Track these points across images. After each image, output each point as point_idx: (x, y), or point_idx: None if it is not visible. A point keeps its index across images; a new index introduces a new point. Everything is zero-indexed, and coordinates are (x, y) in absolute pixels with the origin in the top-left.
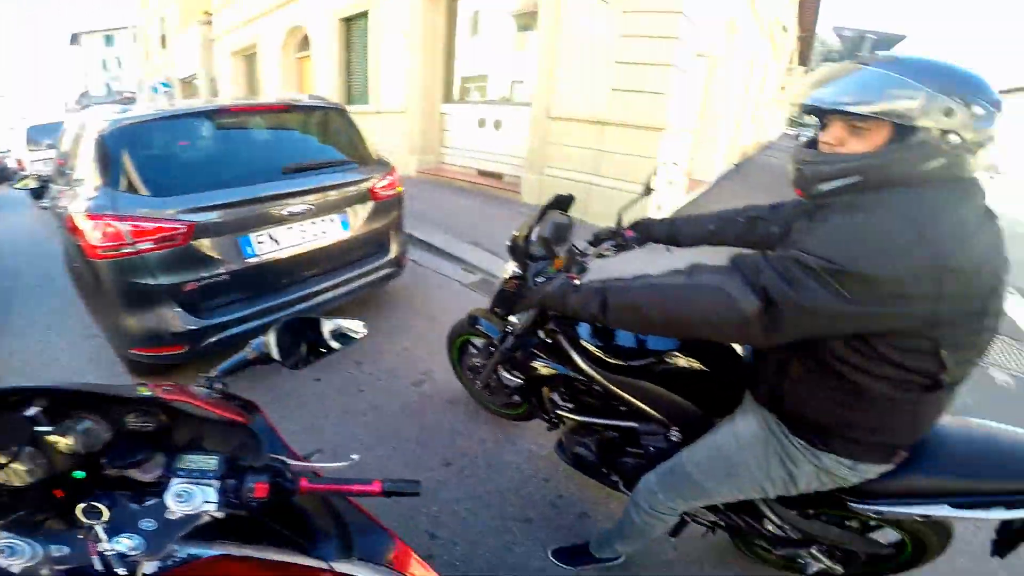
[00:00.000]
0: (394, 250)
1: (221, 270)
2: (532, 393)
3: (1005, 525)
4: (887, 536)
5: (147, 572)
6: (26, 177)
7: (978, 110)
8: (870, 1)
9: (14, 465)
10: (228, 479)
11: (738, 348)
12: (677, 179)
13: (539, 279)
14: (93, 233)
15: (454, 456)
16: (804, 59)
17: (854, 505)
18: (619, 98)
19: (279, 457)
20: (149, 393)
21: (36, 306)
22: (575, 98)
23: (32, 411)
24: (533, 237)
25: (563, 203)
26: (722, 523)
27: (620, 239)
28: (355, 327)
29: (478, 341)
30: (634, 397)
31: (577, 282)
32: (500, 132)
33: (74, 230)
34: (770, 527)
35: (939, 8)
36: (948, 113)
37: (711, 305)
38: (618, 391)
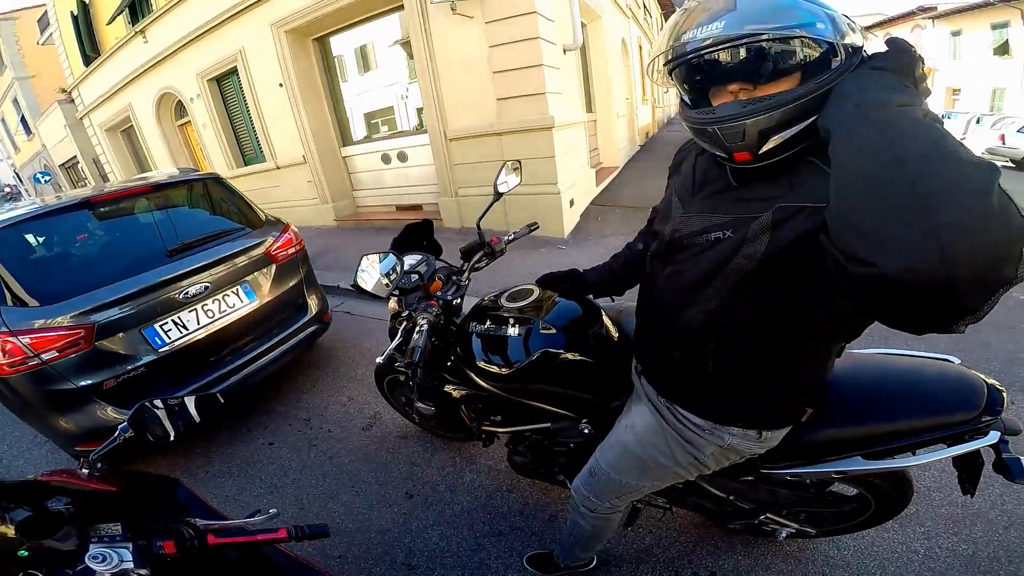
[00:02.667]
0: (313, 308)
1: (136, 363)
2: (454, 416)
3: (958, 461)
4: (845, 490)
5: None
6: None
7: (857, 30)
8: None
9: None
10: (139, 540)
11: (612, 331)
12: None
13: (405, 313)
14: None
15: (415, 488)
16: None
17: (765, 471)
18: (505, 106)
19: (188, 520)
20: (31, 478)
21: None
22: (467, 115)
23: None
24: (393, 276)
25: (420, 231)
26: (675, 505)
27: (487, 248)
28: (215, 396)
29: (402, 376)
30: (536, 400)
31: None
32: (407, 163)
33: None
34: (714, 500)
35: None
36: (828, 20)
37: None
38: (519, 399)
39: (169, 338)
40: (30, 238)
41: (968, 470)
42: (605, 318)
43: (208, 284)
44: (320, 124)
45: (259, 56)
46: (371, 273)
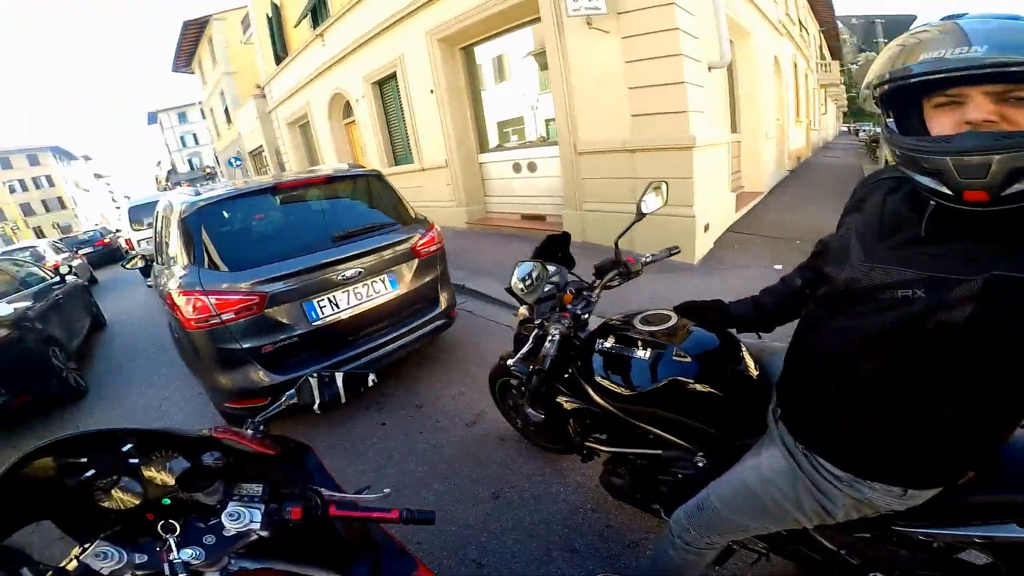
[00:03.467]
0: (443, 303)
1: (292, 333)
2: (559, 427)
3: None
4: (975, 558)
5: None
6: (134, 257)
7: None
8: None
9: (117, 492)
10: (271, 503)
11: (751, 368)
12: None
13: (537, 321)
14: (187, 308)
15: (503, 489)
16: (834, 52)
17: (900, 529)
18: (641, 123)
19: (316, 488)
20: (207, 433)
21: (152, 372)
22: (598, 130)
23: (125, 447)
24: (530, 282)
25: (557, 243)
26: (775, 551)
27: (623, 267)
28: (366, 376)
29: (514, 381)
30: (653, 425)
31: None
32: (536, 174)
33: (173, 306)
34: (820, 552)
35: None
36: None
37: None
38: (634, 421)
39: (323, 314)
40: (227, 213)
41: None
42: (746, 354)
43: (362, 269)
44: (462, 130)
45: (415, 62)
46: (519, 277)
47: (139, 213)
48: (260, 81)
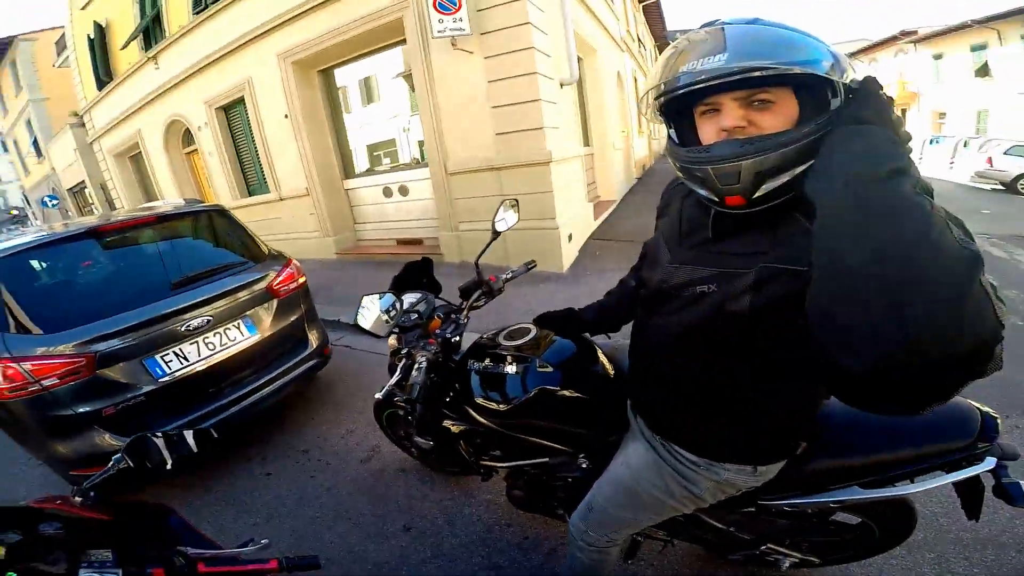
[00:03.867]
0: (313, 342)
1: (136, 392)
2: (452, 451)
3: (961, 488)
4: (847, 519)
5: None
6: None
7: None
8: (703, 5)
9: None
10: (129, 568)
11: (608, 368)
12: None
13: (404, 350)
14: None
15: (413, 521)
16: None
17: (764, 502)
18: (504, 141)
19: (180, 548)
20: (24, 503)
21: None
22: (466, 149)
23: None
24: (393, 313)
25: (419, 269)
26: (676, 537)
27: (486, 286)
28: (204, 431)
29: (400, 411)
30: (533, 436)
31: None
32: (408, 197)
33: None
34: (714, 533)
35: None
36: (830, 57)
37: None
38: (516, 434)
39: (170, 369)
40: (35, 265)
41: (970, 496)
42: (601, 356)
43: (210, 317)
44: (323, 156)
45: (265, 86)
46: (371, 311)
47: None
48: (78, 108)
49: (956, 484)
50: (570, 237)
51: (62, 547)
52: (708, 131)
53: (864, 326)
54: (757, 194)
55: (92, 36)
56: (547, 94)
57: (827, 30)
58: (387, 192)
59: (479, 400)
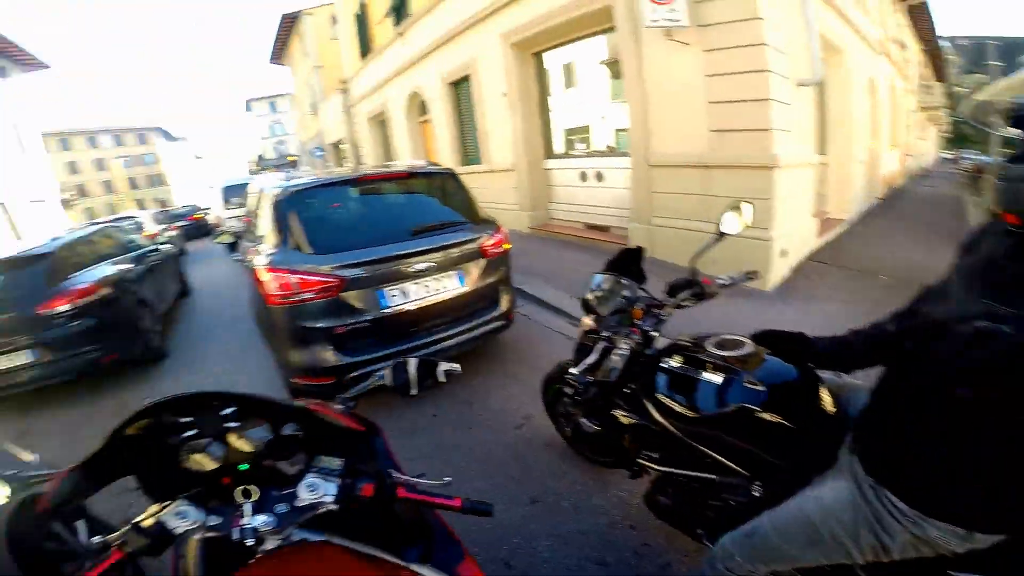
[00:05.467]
0: (503, 305)
1: (363, 317)
2: (613, 441)
3: None
4: None
5: (268, 548)
6: (223, 233)
7: None
8: (977, 7)
9: (199, 455)
10: (346, 478)
11: (827, 404)
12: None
13: (605, 334)
14: (272, 284)
15: (543, 495)
16: (940, 74)
17: (955, 573)
18: (720, 139)
19: (387, 468)
20: (302, 405)
21: (228, 341)
22: (673, 143)
23: (226, 411)
24: (602, 293)
25: (631, 257)
26: None
27: (698, 288)
28: (453, 367)
29: (568, 390)
30: (712, 449)
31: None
32: (603, 184)
33: (258, 281)
34: None
35: None
36: None
37: None
38: (694, 443)
39: (392, 303)
40: (315, 201)
41: None
42: (824, 390)
43: (433, 264)
44: (530, 135)
45: (489, 65)
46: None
47: (231, 193)
48: (344, 76)
49: None
50: (783, 252)
51: (303, 448)
52: None
53: None
54: None
55: (357, 12)
56: (779, 93)
57: None
58: (583, 176)
59: (663, 399)
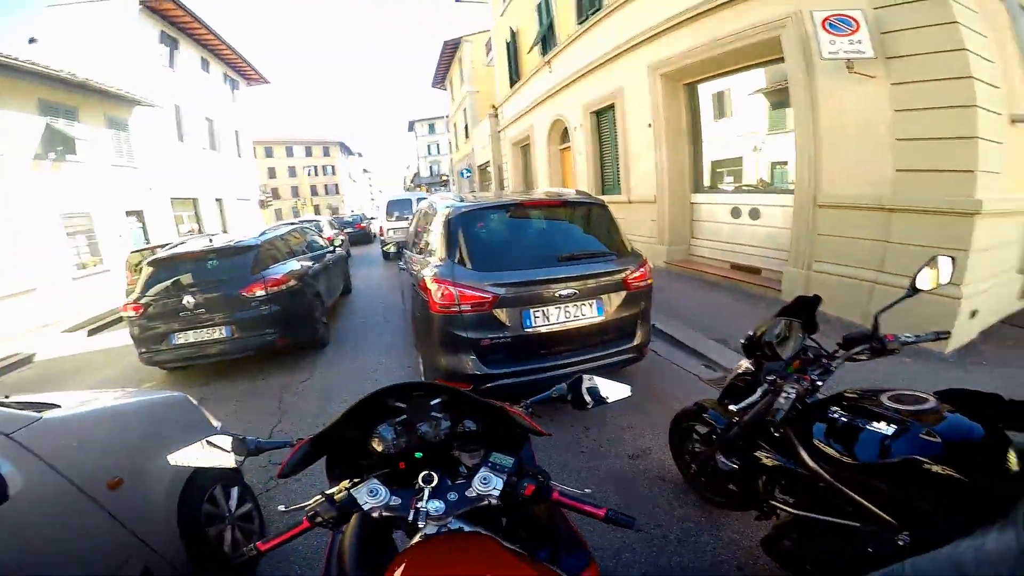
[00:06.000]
0: (639, 337)
1: (506, 334)
2: (747, 481)
3: None
4: None
5: (428, 532)
6: (388, 244)
7: None
8: None
9: (381, 440)
10: (513, 476)
11: (1012, 463)
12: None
13: (770, 378)
14: (436, 293)
15: (648, 524)
16: None
17: None
18: (907, 179)
19: (543, 472)
20: (500, 404)
21: (378, 338)
22: (846, 182)
23: (435, 401)
24: (780, 337)
25: (807, 305)
26: None
27: (876, 343)
28: (623, 389)
29: (701, 429)
30: (863, 496)
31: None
32: (757, 222)
33: (424, 289)
34: None
35: None
36: None
37: None
38: (845, 489)
39: (536, 323)
40: (480, 223)
41: None
42: (1011, 451)
43: (576, 291)
44: (677, 167)
45: (634, 95)
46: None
47: (393, 207)
48: (495, 102)
49: None
50: (974, 313)
51: (485, 445)
52: None
53: None
54: None
55: (508, 41)
56: (988, 131)
57: None
58: (735, 212)
59: (819, 444)
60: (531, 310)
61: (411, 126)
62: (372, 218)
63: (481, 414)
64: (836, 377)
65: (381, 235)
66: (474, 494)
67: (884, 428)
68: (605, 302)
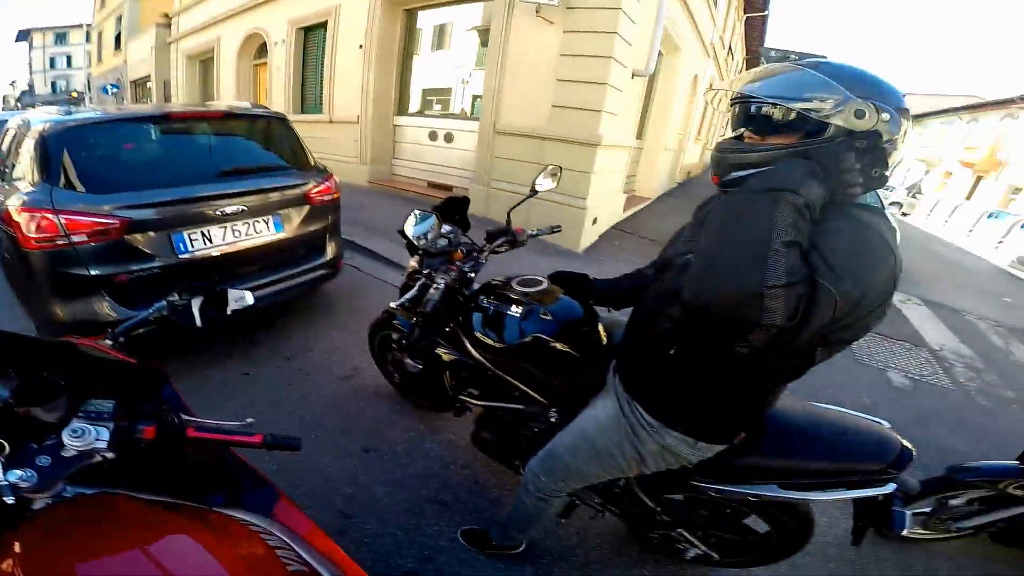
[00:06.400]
0: (330, 252)
1: (153, 264)
2: (434, 381)
3: (857, 506)
4: (757, 525)
5: (36, 507)
6: None
7: (885, 115)
8: (808, 26)
9: None
10: (121, 422)
11: (602, 335)
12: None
13: (426, 271)
14: (29, 225)
15: (375, 443)
16: None
17: (696, 483)
18: (559, 114)
19: (173, 409)
20: (63, 339)
21: None
22: (520, 113)
23: None
24: (426, 233)
25: (458, 204)
26: (608, 507)
27: (511, 236)
28: (243, 296)
29: (395, 335)
30: (517, 379)
31: None
32: (451, 145)
33: (9, 222)
34: (642, 508)
35: (864, 31)
36: (859, 114)
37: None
38: (504, 375)
39: (193, 247)
40: (102, 138)
41: (863, 518)
42: (600, 324)
43: (245, 208)
44: (383, 90)
45: (351, 15)
46: (414, 226)
47: None
48: (171, 11)
49: (855, 502)
50: (595, 221)
51: (65, 392)
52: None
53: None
54: (728, 178)
55: None
56: (616, 80)
57: (937, 81)
58: (432, 136)
59: (477, 334)
60: (185, 232)
61: (23, 35)
62: None
63: (54, 357)
64: (516, 271)
65: None
66: (72, 452)
67: (516, 311)
68: (284, 218)
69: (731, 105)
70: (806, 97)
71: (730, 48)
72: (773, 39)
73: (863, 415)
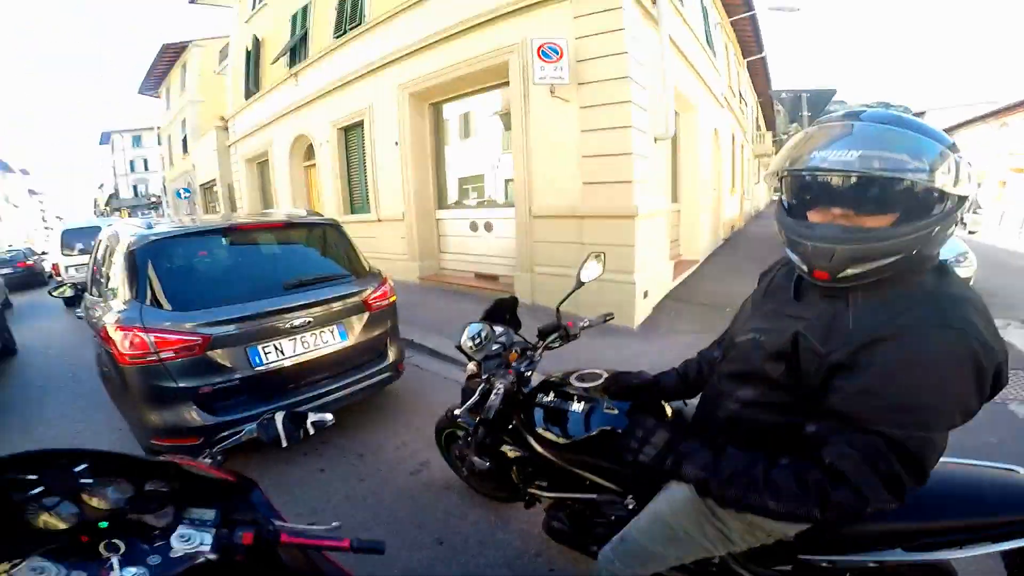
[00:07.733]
0: (391, 356)
1: (232, 376)
2: (503, 475)
3: (1006, 558)
4: None
5: None
6: (62, 285)
7: (963, 160)
8: (804, 63)
9: (50, 515)
10: (222, 528)
11: (667, 410)
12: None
13: (485, 376)
14: (123, 343)
15: (447, 535)
16: (769, 123)
17: (803, 557)
18: (590, 191)
19: (267, 516)
20: (166, 459)
21: (66, 402)
22: (553, 195)
23: (79, 468)
24: (479, 341)
25: (506, 306)
26: None
27: (563, 331)
28: (323, 418)
29: (460, 432)
30: (587, 471)
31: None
32: (492, 234)
33: (107, 339)
34: None
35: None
36: (950, 168)
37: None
38: (571, 468)
39: (267, 360)
40: (178, 251)
41: (1017, 568)
42: (667, 407)
43: (311, 319)
44: (422, 185)
45: (383, 113)
46: (469, 338)
47: (73, 237)
48: (225, 114)
49: (1004, 554)
50: (646, 294)
51: (171, 502)
52: (816, 212)
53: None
54: (842, 274)
55: (250, 49)
56: (639, 148)
57: (947, 89)
58: (473, 226)
59: (540, 431)
60: (259, 346)
61: (106, 138)
62: (44, 253)
63: (160, 472)
64: (573, 359)
65: (57, 274)
66: (179, 554)
67: (578, 407)
68: (347, 326)
69: (803, 176)
70: (912, 158)
71: (740, 95)
72: (777, 80)
73: (992, 464)
